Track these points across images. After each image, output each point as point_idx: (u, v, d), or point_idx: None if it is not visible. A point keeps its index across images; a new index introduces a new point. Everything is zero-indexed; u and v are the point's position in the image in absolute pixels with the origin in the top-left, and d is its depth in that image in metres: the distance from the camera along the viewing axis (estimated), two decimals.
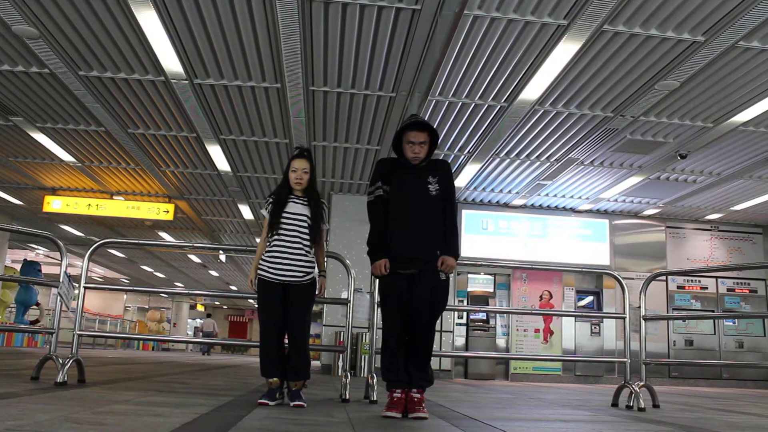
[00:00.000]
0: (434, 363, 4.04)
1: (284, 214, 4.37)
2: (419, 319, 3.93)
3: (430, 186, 4.06)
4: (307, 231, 4.37)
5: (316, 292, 4.49)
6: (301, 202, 4.44)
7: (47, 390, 4.32)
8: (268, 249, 4.39)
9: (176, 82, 7.80)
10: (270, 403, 4.21)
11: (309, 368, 4.38)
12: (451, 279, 4.19)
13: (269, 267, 4.34)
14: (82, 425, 2.67)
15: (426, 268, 3.96)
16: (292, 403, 4.18)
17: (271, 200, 4.50)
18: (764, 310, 12.94)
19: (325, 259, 4.73)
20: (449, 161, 10.14)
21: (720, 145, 9.08)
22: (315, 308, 5.09)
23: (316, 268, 4.46)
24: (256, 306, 4.51)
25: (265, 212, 4.51)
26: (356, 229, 11.88)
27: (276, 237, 4.36)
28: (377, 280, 5.37)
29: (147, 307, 39.10)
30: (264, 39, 6.69)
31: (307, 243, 4.37)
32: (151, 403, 3.80)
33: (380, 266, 4.03)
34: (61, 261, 5.52)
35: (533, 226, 12.85)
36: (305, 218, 4.39)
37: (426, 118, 8.20)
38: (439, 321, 4.25)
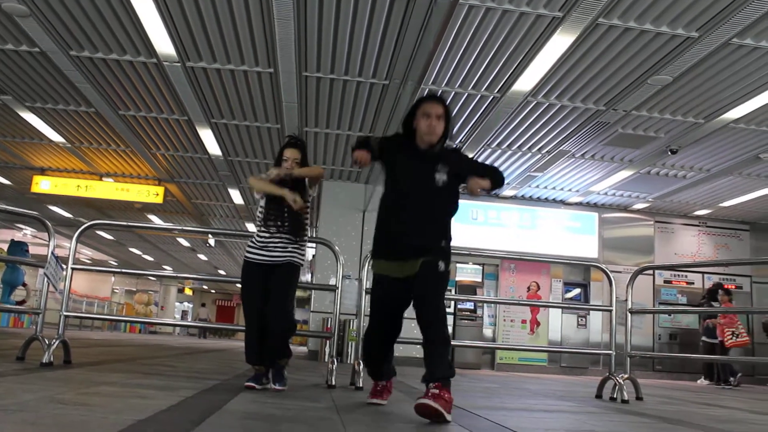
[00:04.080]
0: (419, 351, 3.67)
1: (271, 205, 4.34)
2: (421, 315, 3.46)
3: (437, 174, 3.56)
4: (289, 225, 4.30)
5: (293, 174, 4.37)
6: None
7: (33, 370, 4.31)
8: (257, 234, 4.38)
9: (168, 65, 7.75)
10: (256, 386, 4.22)
11: (288, 348, 4.34)
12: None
13: (252, 250, 4.34)
14: (68, 406, 2.67)
15: (423, 261, 3.47)
16: (271, 386, 4.21)
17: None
18: (749, 306, 13.05)
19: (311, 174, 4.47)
20: None
21: (710, 141, 9.13)
22: (303, 294, 5.05)
23: (305, 254, 4.43)
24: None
25: (258, 197, 4.49)
26: (346, 216, 11.87)
27: (262, 225, 4.34)
28: (366, 267, 5.39)
29: (135, 289, 38.95)
30: (258, 23, 6.65)
31: (290, 234, 4.30)
32: (137, 386, 3.80)
33: (361, 155, 3.60)
34: (49, 242, 5.48)
35: (523, 217, 12.88)
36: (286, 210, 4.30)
37: None
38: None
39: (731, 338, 10.57)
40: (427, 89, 7.72)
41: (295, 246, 4.35)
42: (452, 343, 11.82)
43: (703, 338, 11.43)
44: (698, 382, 11.42)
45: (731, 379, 10.50)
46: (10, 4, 6.50)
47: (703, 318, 11.70)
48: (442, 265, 3.50)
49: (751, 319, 12.92)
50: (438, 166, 3.57)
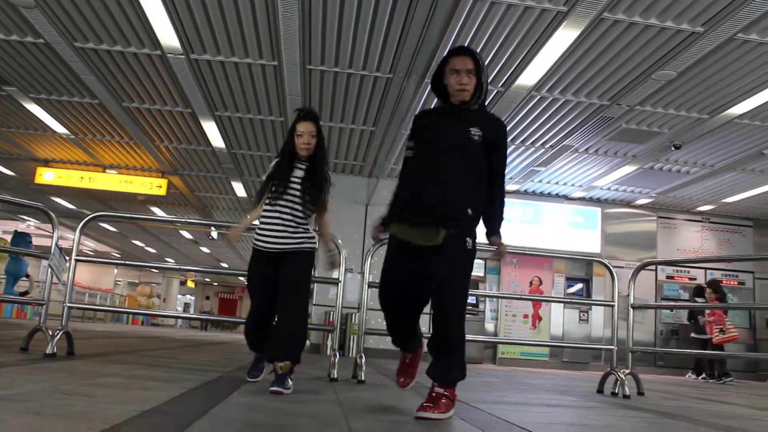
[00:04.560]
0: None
1: (278, 183, 3.95)
2: (436, 299, 3.15)
3: (472, 130, 3.17)
4: (300, 199, 3.90)
5: (330, 266, 4.22)
6: (302, 167, 4.00)
7: (36, 361, 4.33)
8: (262, 217, 4.00)
9: (172, 57, 7.75)
10: (258, 379, 4.15)
11: (296, 348, 3.84)
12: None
13: (260, 235, 3.97)
14: (71, 396, 2.69)
15: (449, 234, 3.12)
16: (270, 388, 3.63)
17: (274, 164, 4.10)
18: (751, 302, 13.05)
19: (329, 225, 4.21)
20: None
21: (714, 137, 9.11)
22: None
23: (315, 240, 4.03)
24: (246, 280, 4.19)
25: (264, 178, 4.10)
26: (348, 210, 11.85)
27: (269, 205, 3.95)
28: (368, 261, 5.39)
29: (137, 281, 39.06)
30: (262, 16, 6.65)
31: (301, 212, 3.92)
32: (139, 377, 3.82)
33: (374, 227, 3.45)
34: (53, 233, 5.50)
35: (525, 211, 12.87)
36: (299, 183, 3.93)
37: (423, 101, 8.17)
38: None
39: (718, 334, 10.63)
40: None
41: (306, 228, 3.96)
42: None
43: (693, 335, 11.47)
44: (686, 376, 11.44)
45: (729, 376, 10.51)
46: None
47: (690, 315, 11.74)
48: (469, 242, 3.16)
49: (753, 315, 12.94)
50: (471, 129, 3.19)
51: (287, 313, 3.87)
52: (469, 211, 3.17)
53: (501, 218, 3.37)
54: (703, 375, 10.96)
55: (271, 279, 3.92)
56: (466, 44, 6.76)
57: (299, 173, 3.98)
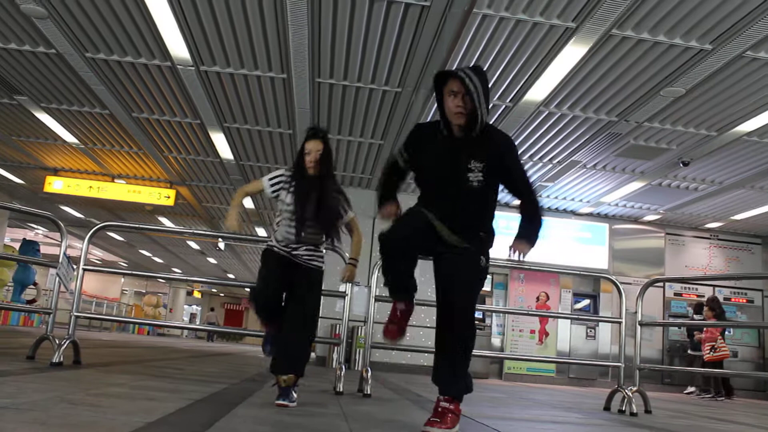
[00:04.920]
0: (428, 360, 3.32)
1: (287, 207, 3.92)
2: (444, 304, 3.15)
3: (471, 174, 3.09)
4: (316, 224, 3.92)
5: (343, 279, 4.26)
6: (315, 192, 3.97)
7: (43, 370, 4.34)
8: (280, 225, 3.96)
9: (182, 68, 7.80)
10: (289, 404, 3.70)
11: (299, 363, 3.81)
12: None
13: (275, 241, 3.95)
14: (77, 406, 2.69)
15: (466, 247, 3.14)
16: (275, 402, 3.62)
17: (279, 181, 4.00)
18: (760, 320, 12.96)
19: (359, 243, 4.27)
20: None
21: (723, 154, 9.08)
22: None
23: (323, 259, 4.05)
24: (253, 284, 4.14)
25: (266, 182, 4.01)
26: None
27: (287, 220, 3.92)
28: (375, 275, 5.37)
29: (144, 291, 39.14)
30: (272, 28, 6.69)
31: (320, 237, 3.96)
32: (145, 388, 3.82)
33: (390, 209, 3.40)
34: (61, 242, 5.53)
35: None
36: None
37: (431, 115, 8.20)
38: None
39: (709, 352, 10.70)
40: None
41: (320, 252, 4.01)
42: None
43: (689, 351, 11.52)
44: (686, 392, 11.41)
45: (721, 394, 10.65)
46: (29, 6, 6.57)
47: (689, 332, 11.86)
48: (483, 260, 3.18)
49: (762, 333, 12.84)
50: (472, 162, 3.09)
51: (293, 328, 3.86)
52: (482, 234, 3.22)
53: (534, 233, 3.30)
54: (696, 391, 11.06)
55: (279, 276, 3.88)
56: (474, 59, 6.79)
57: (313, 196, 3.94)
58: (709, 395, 10.73)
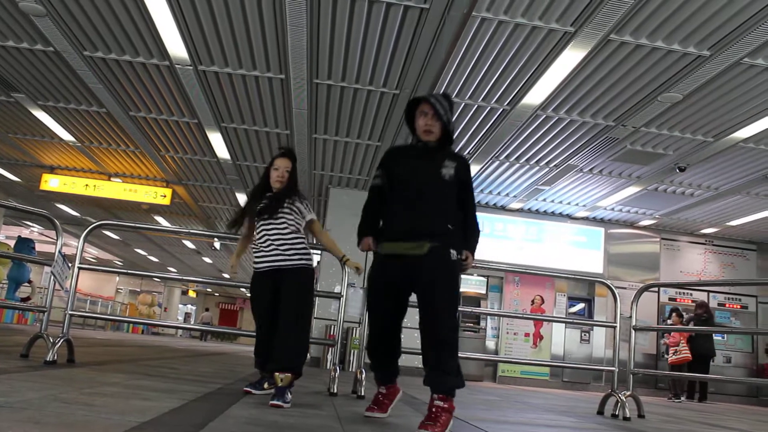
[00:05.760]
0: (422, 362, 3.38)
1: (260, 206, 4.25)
2: (425, 303, 3.29)
3: (443, 170, 3.43)
4: (282, 225, 4.16)
5: (355, 271, 4.51)
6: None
7: (37, 368, 4.33)
8: (254, 244, 4.31)
9: (180, 68, 7.80)
10: (253, 391, 4.23)
11: (297, 359, 3.95)
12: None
13: (256, 258, 4.25)
14: (71, 405, 2.68)
15: (432, 246, 3.30)
16: (270, 402, 3.66)
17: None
18: (754, 326, 12.99)
19: (335, 243, 4.56)
20: None
21: (719, 160, 9.11)
22: None
23: (311, 257, 4.26)
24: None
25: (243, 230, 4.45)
26: (352, 224, 11.75)
27: (258, 232, 4.24)
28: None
29: (139, 290, 39.05)
30: (271, 29, 6.69)
31: (287, 233, 4.15)
32: (139, 387, 3.81)
33: (366, 242, 3.63)
34: (57, 240, 5.51)
35: (529, 230, 12.87)
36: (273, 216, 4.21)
37: None
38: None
39: (672, 355, 11.26)
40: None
41: (299, 249, 4.17)
42: None
43: (665, 355, 11.84)
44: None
45: (680, 397, 11.14)
46: (27, 4, 6.56)
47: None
48: (453, 253, 3.33)
49: (756, 340, 12.88)
50: (445, 162, 3.47)
51: (288, 327, 3.99)
52: (450, 226, 3.39)
53: (474, 239, 3.60)
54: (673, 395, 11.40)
55: (272, 299, 4.14)
56: (473, 62, 6.80)
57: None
58: (678, 400, 11.08)
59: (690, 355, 11.17)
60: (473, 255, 3.54)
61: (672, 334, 11.35)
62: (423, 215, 3.39)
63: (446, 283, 3.31)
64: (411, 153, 3.65)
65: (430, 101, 3.52)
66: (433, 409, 3.11)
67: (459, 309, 3.60)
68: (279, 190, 4.26)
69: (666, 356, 11.61)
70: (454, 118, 3.86)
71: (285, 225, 4.17)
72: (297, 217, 4.23)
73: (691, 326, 11.34)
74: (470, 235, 3.57)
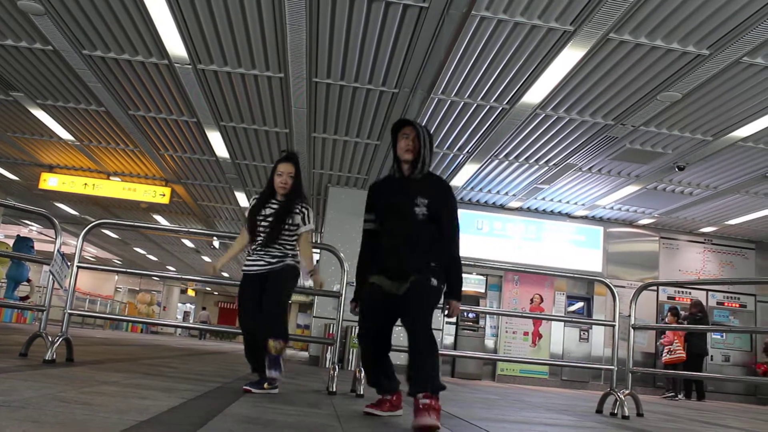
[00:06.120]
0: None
1: (260, 218, 4.47)
2: (409, 324, 3.49)
3: (417, 209, 3.65)
4: (284, 234, 4.45)
5: (316, 287, 4.71)
6: (275, 206, 4.51)
7: (36, 367, 4.32)
8: (251, 247, 4.54)
9: (179, 67, 7.79)
10: (253, 390, 4.26)
11: (281, 327, 4.37)
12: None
13: (248, 262, 4.52)
14: (70, 404, 2.68)
15: (414, 279, 3.56)
16: (267, 372, 4.29)
17: (253, 204, 4.60)
18: (753, 325, 13.00)
19: (313, 259, 4.69)
20: (448, 159, 10.15)
21: (718, 158, 9.11)
22: (305, 299, 5.13)
23: (298, 258, 4.56)
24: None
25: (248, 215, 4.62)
26: (352, 222, 11.87)
27: (256, 241, 4.49)
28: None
29: (138, 289, 39.03)
30: (270, 28, 6.69)
31: (280, 243, 4.45)
32: (138, 386, 3.81)
33: (352, 307, 3.95)
34: (56, 239, 5.50)
35: (528, 229, 12.88)
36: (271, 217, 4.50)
37: (427, 117, 8.22)
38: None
39: (666, 355, 11.43)
40: (437, 98, 7.74)
41: (287, 253, 4.48)
42: (454, 353, 11.87)
43: (662, 355, 11.93)
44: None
45: (677, 396, 11.32)
46: (26, 2, 6.55)
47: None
48: (434, 281, 3.58)
49: (755, 338, 12.89)
50: (418, 198, 3.67)
51: (268, 306, 4.36)
52: (432, 264, 3.61)
53: (457, 280, 3.75)
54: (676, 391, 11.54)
55: (253, 299, 4.45)
56: (472, 61, 6.80)
57: (272, 210, 4.48)
58: (671, 395, 11.31)
59: (684, 355, 11.28)
60: (458, 299, 3.72)
61: (666, 333, 11.50)
62: (404, 257, 3.64)
63: (423, 300, 3.53)
64: (390, 188, 3.87)
65: (413, 123, 3.80)
66: (421, 406, 3.19)
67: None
68: (282, 198, 4.48)
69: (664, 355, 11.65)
70: (433, 145, 4.14)
71: (282, 238, 4.47)
72: (295, 229, 4.53)
73: (686, 325, 11.37)
74: (452, 274, 3.73)
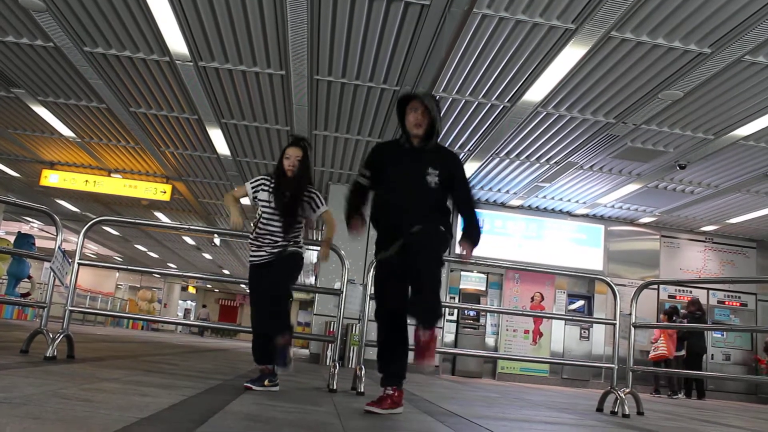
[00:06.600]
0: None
1: (262, 203, 4.48)
2: (415, 267, 3.59)
3: (428, 177, 3.73)
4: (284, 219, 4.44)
5: (320, 258, 4.72)
6: (287, 193, 4.49)
7: (36, 364, 4.33)
8: (254, 236, 4.49)
9: (181, 64, 7.79)
10: (254, 387, 4.26)
11: (285, 321, 4.38)
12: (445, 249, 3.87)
13: (253, 252, 4.52)
14: (71, 401, 2.69)
15: (417, 231, 3.64)
16: (275, 365, 4.36)
17: (259, 183, 4.55)
18: (753, 324, 13.00)
19: (334, 229, 4.70)
20: None
21: (719, 157, 9.10)
22: (306, 297, 5.15)
23: (302, 245, 4.59)
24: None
25: (249, 186, 4.58)
26: None
27: (259, 223, 4.46)
28: (371, 272, 5.38)
29: (138, 286, 39.07)
30: (271, 25, 6.68)
31: (287, 230, 4.44)
32: (139, 383, 3.81)
33: (354, 224, 3.99)
34: (57, 236, 5.50)
35: (528, 227, 12.87)
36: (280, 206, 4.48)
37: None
38: None
39: (653, 352, 11.70)
40: (438, 96, 7.73)
41: (291, 239, 4.48)
42: (454, 351, 11.87)
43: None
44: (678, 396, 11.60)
45: (677, 394, 11.51)
46: None
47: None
48: (441, 228, 3.70)
49: (755, 337, 12.88)
50: (429, 169, 3.74)
51: (272, 298, 4.36)
52: (442, 228, 3.73)
53: (473, 232, 3.84)
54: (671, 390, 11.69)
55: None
56: (473, 59, 6.79)
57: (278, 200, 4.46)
58: (675, 396, 11.42)
59: (668, 352, 11.43)
60: (474, 243, 3.80)
61: (654, 330, 11.72)
62: (411, 211, 3.70)
63: (432, 242, 3.65)
64: (398, 155, 3.88)
65: (421, 98, 3.80)
66: (421, 342, 3.42)
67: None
68: (291, 179, 4.45)
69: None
70: (441, 114, 4.26)
71: (287, 223, 4.45)
72: (304, 214, 4.55)
73: (685, 323, 11.38)
74: (469, 228, 3.82)
